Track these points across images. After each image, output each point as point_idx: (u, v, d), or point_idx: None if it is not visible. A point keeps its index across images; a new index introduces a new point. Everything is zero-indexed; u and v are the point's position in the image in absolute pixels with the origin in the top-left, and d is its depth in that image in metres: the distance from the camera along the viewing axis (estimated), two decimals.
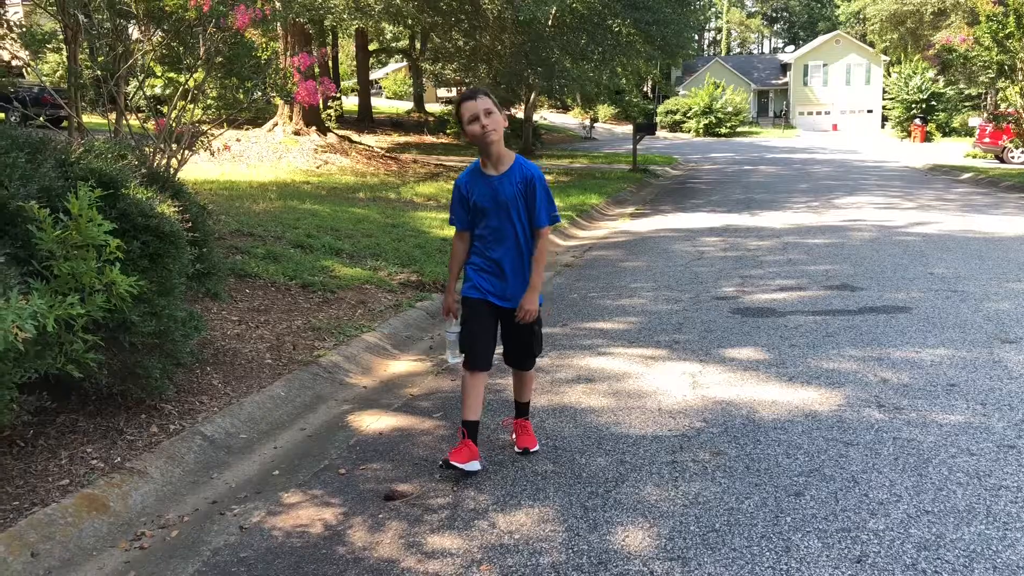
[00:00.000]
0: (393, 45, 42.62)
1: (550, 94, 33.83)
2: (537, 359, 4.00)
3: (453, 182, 3.83)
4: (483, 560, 3.03)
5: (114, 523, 3.38)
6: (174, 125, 6.14)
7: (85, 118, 6.67)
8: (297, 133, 20.17)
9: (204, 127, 6.82)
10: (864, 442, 3.98)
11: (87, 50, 6.61)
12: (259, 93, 5.78)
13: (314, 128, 20.64)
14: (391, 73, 61.90)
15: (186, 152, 5.83)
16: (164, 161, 5.53)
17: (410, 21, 16.94)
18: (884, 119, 56.88)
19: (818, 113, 60.91)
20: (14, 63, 8.23)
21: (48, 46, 6.63)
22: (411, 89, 48.97)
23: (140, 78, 5.82)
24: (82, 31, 6.27)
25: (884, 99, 55.69)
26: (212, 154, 6.66)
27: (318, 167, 18.04)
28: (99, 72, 6.20)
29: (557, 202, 14.83)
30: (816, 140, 47.63)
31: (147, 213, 4.01)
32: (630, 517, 3.31)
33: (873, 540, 3.03)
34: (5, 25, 6.84)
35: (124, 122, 5.74)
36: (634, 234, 11.66)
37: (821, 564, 2.89)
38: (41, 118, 6.45)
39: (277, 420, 4.55)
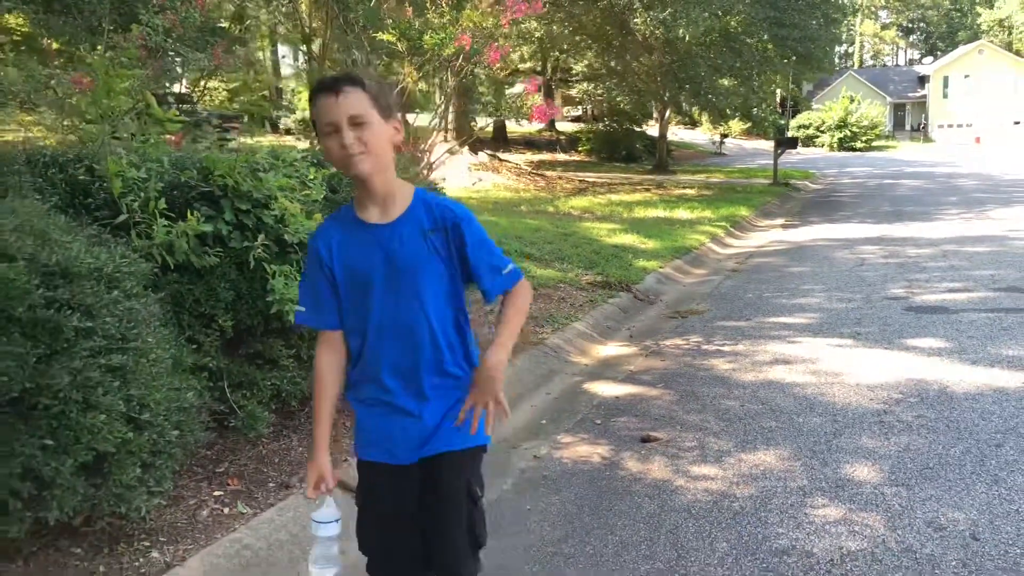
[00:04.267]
0: (519, 67, 43.95)
1: (679, 110, 34.35)
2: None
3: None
4: (739, 483, 3.81)
5: None
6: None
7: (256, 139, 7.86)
8: (451, 152, 21.46)
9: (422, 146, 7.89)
10: None
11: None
12: (499, 115, 6.77)
13: (467, 147, 21.90)
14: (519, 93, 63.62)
15: (426, 170, 6.87)
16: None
17: (565, 45, 18.01)
18: None
19: (959, 126, 58.75)
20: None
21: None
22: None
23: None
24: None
25: None
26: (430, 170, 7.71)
27: (474, 184, 19.22)
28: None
29: (708, 213, 15.51)
30: (958, 154, 46.06)
31: None
32: (853, 458, 4.03)
33: None
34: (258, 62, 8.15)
35: None
36: (791, 243, 12.18)
37: None
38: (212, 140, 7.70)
39: (526, 386, 5.45)
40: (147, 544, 3.07)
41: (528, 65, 43.21)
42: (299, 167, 4.09)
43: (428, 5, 5.71)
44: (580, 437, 4.50)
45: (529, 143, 39.13)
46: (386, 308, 2.08)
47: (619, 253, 9.95)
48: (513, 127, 49.73)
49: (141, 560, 2.97)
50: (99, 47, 8.09)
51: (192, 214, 3.46)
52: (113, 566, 2.92)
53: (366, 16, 6.01)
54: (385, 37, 5.81)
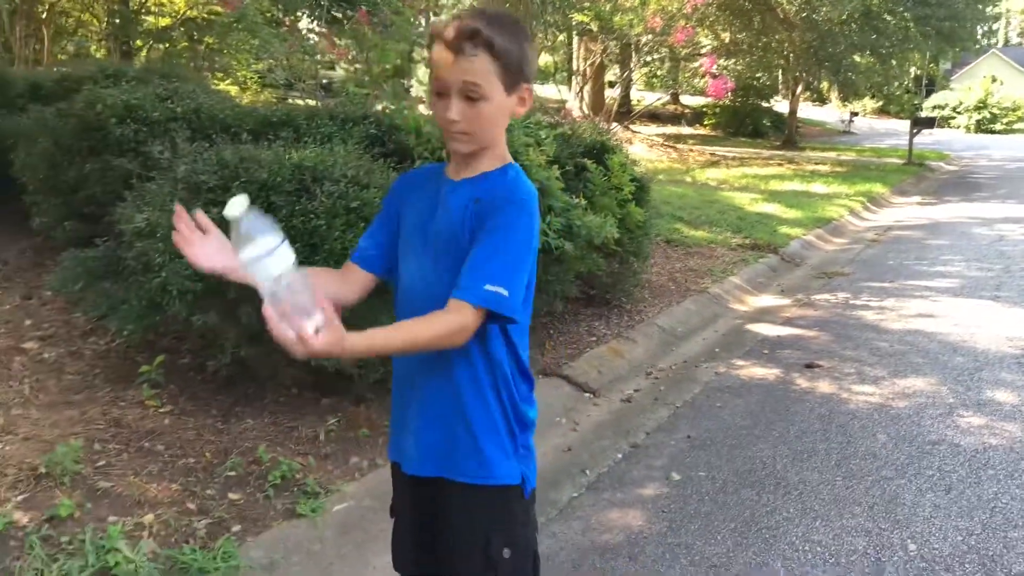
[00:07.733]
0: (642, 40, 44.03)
1: (809, 87, 33.97)
2: None
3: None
4: (895, 398, 4.61)
5: (629, 364, 5.27)
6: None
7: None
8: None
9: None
10: None
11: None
12: (677, 89, 7.57)
13: (599, 118, 22.67)
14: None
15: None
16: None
17: (708, 22, 18.38)
18: None
19: None
20: None
21: None
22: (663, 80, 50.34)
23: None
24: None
25: None
26: None
27: None
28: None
29: (844, 188, 15.97)
30: None
31: (632, 168, 5.90)
32: (993, 387, 4.76)
33: None
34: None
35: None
36: (928, 219, 12.55)
37: None
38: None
39: (695, 323, 6.33)
40: None
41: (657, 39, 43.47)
42: (536, 128, 5.05)
43: None
44: (752, 362, 5.37)
45: (653, 116, 39.33)
46: (423, 274, 1.71)
47: (763, 220, 10.63)
48: (636, 98, 50.00)
49: None
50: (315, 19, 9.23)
51: None
52: None
53: None
54: (580, 18, 6.67)
